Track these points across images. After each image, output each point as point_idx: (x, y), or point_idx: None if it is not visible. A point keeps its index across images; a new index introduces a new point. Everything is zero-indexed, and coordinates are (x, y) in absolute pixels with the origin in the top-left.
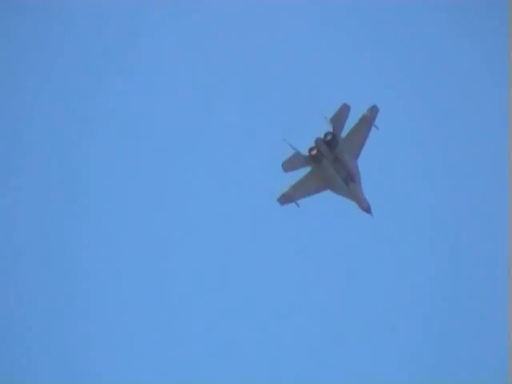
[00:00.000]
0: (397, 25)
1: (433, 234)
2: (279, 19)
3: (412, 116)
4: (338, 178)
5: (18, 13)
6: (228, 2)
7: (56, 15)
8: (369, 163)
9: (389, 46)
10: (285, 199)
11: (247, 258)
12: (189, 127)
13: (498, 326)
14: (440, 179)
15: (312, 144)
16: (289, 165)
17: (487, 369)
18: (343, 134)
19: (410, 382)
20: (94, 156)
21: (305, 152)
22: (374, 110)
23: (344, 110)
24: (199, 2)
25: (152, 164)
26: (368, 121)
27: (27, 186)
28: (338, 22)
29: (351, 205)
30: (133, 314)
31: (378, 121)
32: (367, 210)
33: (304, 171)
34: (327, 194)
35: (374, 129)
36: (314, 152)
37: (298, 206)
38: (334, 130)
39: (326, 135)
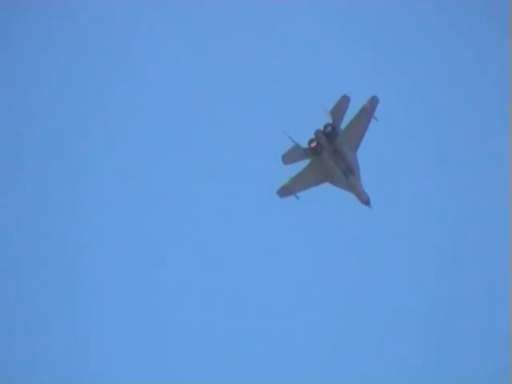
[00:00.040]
0: (397, 19)
1: (432, 226)
2: (279, 12)
3: (411, 108)
4: (338, 171)
5: (17, 14)
6: None
7: (56, 15)
8: (368, 156)
9: (389, 39)
10: (284, 192)
11: (247, 250)
12: (188, 120)
13: (499, 324)
14: (440, 172)
15: (311, 136)
16: (288, 157)
17: (488, 369)
18: (343, 126)
19: (411, 381)
20: (94, 155)
21: (304, 144)
22: (373, 101)
23: (344, 102)
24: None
25: (151, 159)
26: (368, 112)
27: (27, 186)
28: (338, 14)
29: (350, 197)
30: (133, 312)
31: (377, 113)
32: (366, 202)
33: (303, 163)
34: (326, 187)
35: (372, 121)
36: (314, 144)
37: (297, 198)
38: (333, 121)
39: (325, 127)
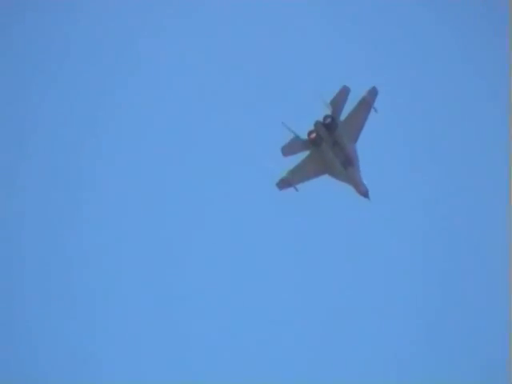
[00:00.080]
0: (397, 13)
1: (431, 219)
2: (278, 4)
3: (410, 101)
4: (337, 162)
5: (22, 12)
6: None
7: (62, 13)
8: (366, 147)
9: (389, 35)
10: (284, 184)
11: (246, 242)
12: (187, 113)
13: (499, 321)
14: (438, 163)
15: (311, 127)
16: (288, 149)
17: (489, 368)
18: (342, 117)
19: (411, 381)
20: (100, 154)
21: (304, 135)
22: (373, 92)
23: (344, 93)
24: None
25: (150, 155)
26: (367, 103)
27: (29, 186)
28: (338, 6)
29: (349, 189)
30: (138, 311)
31: (376, 104)
32: (365, 194)
33: (302, 155)
34: (325, 179)
35: (371, 113)
36: (314, 136)
37: (296, 190)
38: (333, 112)
39: (325, 118)
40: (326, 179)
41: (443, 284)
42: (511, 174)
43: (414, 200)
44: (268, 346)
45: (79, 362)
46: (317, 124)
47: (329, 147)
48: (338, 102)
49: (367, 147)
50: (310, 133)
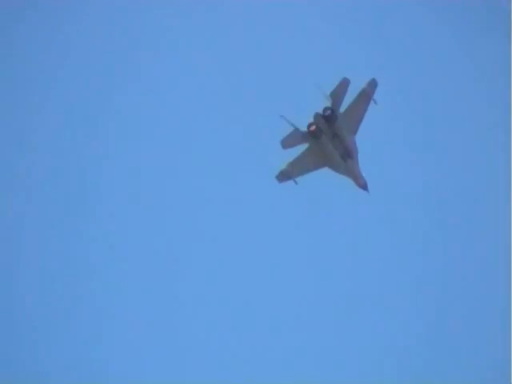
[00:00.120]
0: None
1: (430, 212)
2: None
3: (409, 93)
4: (336, 155)
5: (22, 13)
6: None
7: (63, 14)
8: (365, 140)
9: (389, 32)
10: (283, 177)
11: (246, 236)
12: (186, 105)
13: (500, 321)
14: (437, 157)
15: (310, 119)
16: (288, 142)
17: (489, 368)
18: (341, 110)
19: (411, 381)
20: (102, 155)
21: (303, 128)
22: (372, 84)
23: (344, 85)
24: None
25: (151, 149)
26: (367, 95)
27: (30, 187)
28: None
29: (348, 182)
30: (139, 311)
31: (376, 97)
32: (363, 186)
33: (302, 148)
34: (324, 172)
35: (370, 105)
36: (313, 128)
37: (296, 183)
38: (332, 104)
39: (324, 110)
40: (324, 172)
41: (443, 279)
42: (511, 165)
43: (413, 192)
44: (268, 344)
45: (80, 363)
46: (316, 116)
47: (328, 139)
48: (337, 93)
49: (365, 140)
50: (309, 125)
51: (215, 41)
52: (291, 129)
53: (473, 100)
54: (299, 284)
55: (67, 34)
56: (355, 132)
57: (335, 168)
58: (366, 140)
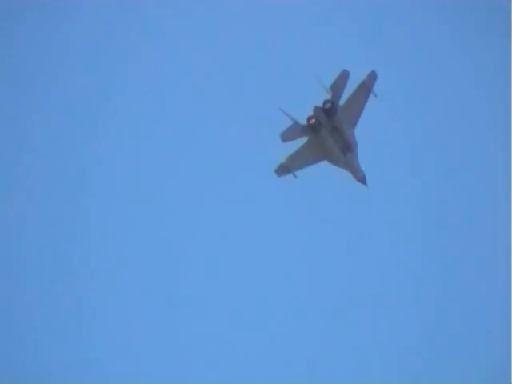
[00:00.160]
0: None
1: (429, 207)
2: None
3: (408, 91)
4: (336, 148)
5: (21, 14)
6: None
7: (63, 14)
8: (364, 133)
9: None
10: (282, 171)
11: (245, 230)
12: (185, 100)
13: (499, 320)
14: (437, 152)
15: (310, 112)
16: (287, 135)
17: (489, 368)
18: (340, 103)
19: (411, 381)
20: (102, 156)
21: (303, 121)
22: (372, 76)
23: (344, 77)
24: None
25: (151, 145)
26: (367, 87)
27: (31, 187)
28: None
29: (347, 175)
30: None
31: (375, 89)
32: (362, 180)
33: (301, 141)
34: (323, 166)
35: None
36: (313, 121)
37: (295, 176)
38: (332, 97)
39: (324, 103)
40: (323, 166)
41: (443, 277)
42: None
43: (411, 186)
44: (268, 342)
45: (80, 363)
46: (316, 109)
47: (328, 133)
48: (337, 86)
49: (364, 133)
50: (309, 118)
51: (214, 35)
52: (291, 122)
53: (472, 98)
54: (298, 279)
55: (66, 34)
56: (354, 125)
57: (334, 161)
58: (365, 133)
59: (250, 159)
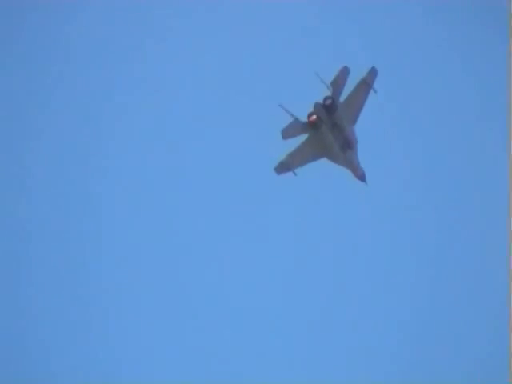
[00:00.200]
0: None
1: (429, 204)
2: None
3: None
4: (336, 145)
5: (24, 14)
6: None
7: (60, 17)
8: (363, 130)
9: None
10: (282, 168)
11: (244, 229)
12: (186, 98)
13: (499, 319)
14: (436, 150)
15: (310, 109)
16: (288, 132)
17: (489, 368)
18: (340, 99)
19: (410, 381)
20: (97, 154)
21: (303, 117)
22: (373, 73)
23: (344, 73)
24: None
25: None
26: (367, 84)
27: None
28: None
29: (347, 173)
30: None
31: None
32: (362, 178)
33: (301, 138)
34: (322, 164)
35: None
36: (313, 118)
37: (295, 174)
38: (333, 94)
39: (325, 99)
40: (323, 164)
41: (442, 275)
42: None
43: (411, 184)
44: (268, 340)
45: (80, 363)
46: (316, 106)
47: (328, 130)
48: (338, 82)
49: (364, 130)
50: (309, 115)
51: (215, 32)
52: (291, 119)
53: (472, 97)
54: (297, 277)
55: (68, 33)
56: (355, 122)
57: (334, 159)
58: (364, 130)
59: (251, 156)
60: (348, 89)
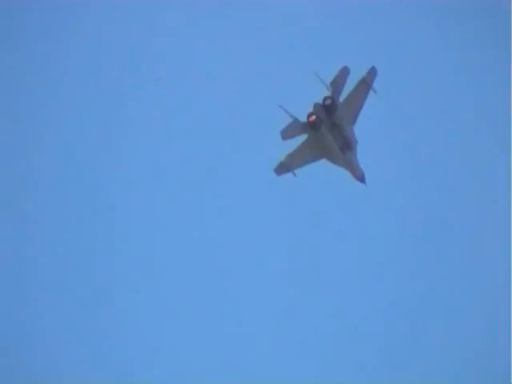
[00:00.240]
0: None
1: (428, 206)
2: None
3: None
4: (335, 146)
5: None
6: None
7: (62, 17)
8: (362, 131)
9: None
10: (282, 169)
11: (244, 230)
12: (185, 98)
13: (499, 319)
14: (435, 151)
15: (309, 109)
16: (287, 133)
17: (489, 368)
18: (340, 99)
19: (410, 381)
20: (96, 153)
21: (302, 118)
22: (372, 72)
23: (344, 73)
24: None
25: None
26: (367, 84)
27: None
28: None
29: (346, 174)
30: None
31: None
32: (361, 179)
33: (300, 139)
34: (322, 165)
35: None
36: (313, 118)
37: (294, 175)
38: (333, 93)
39: (325, 99)
40: (322, 165)
41: (442, 275)
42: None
43: (411, 185)
44: (266, 340)
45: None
46: (316, 106)
47: (328, 130)
48: (338, 82)
49: (363, 130)
50: (309, 115)
51: (214, 32)
52: (291, 119)
53: (472, 97)
54: (295, 277)
55: (70, 33)
56: (354, 122)
57: (333, 160)
58: (364, 130)
59: (250, 157)
60: (347, 89)
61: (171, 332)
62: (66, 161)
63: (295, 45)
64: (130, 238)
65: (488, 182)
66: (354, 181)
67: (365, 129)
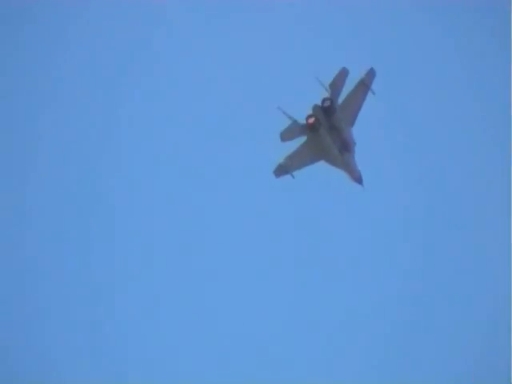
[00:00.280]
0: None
1: (426, 205)
2: None
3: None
4: (334, 148)
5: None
6: None
7: (63, 18)
8: (361, 132)
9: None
10: (281, 171)
11: (244, 231)
12: (185, 99)
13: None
14: (435, 152)
15: (308, 111)
16: (286, 135)
17: (489, 368)
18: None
19: (410, 381)
20: (96, 153)
21: (301, 120)
22: (371, 74)
23: (343, 74)
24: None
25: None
26: (366, 85)
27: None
28: None
29: (343, 176)
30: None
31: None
32: (358, 180)
33: (299, 141)
34: (320, 167)
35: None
36: (312, 120)
37: (293, 177)
38: (331, 95)
39: (323, 101)
40: (320, 167)
41: (442, 275)
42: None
43: (408, 186)
44: (266, 340)
45: (81, 363)
46: (315, 108)
47: (326, 132)
48: (337, 84)
49: (361, 132)
50: (308, 117)
51: (213, 34)
52: (290, 121)
53: (472, 98)
54: (294, 279)
55: (71, 32)
56: (352, 123)
57: (332, 161)
58: (362, 132)
59: (250, 159)
60: (346, 90)
61: (171, 332)
62: (65, 160)
63: (294, 46)
64: (130, 238)
65: (488, 182)
66: (351, 182)
67: (363, 130)
